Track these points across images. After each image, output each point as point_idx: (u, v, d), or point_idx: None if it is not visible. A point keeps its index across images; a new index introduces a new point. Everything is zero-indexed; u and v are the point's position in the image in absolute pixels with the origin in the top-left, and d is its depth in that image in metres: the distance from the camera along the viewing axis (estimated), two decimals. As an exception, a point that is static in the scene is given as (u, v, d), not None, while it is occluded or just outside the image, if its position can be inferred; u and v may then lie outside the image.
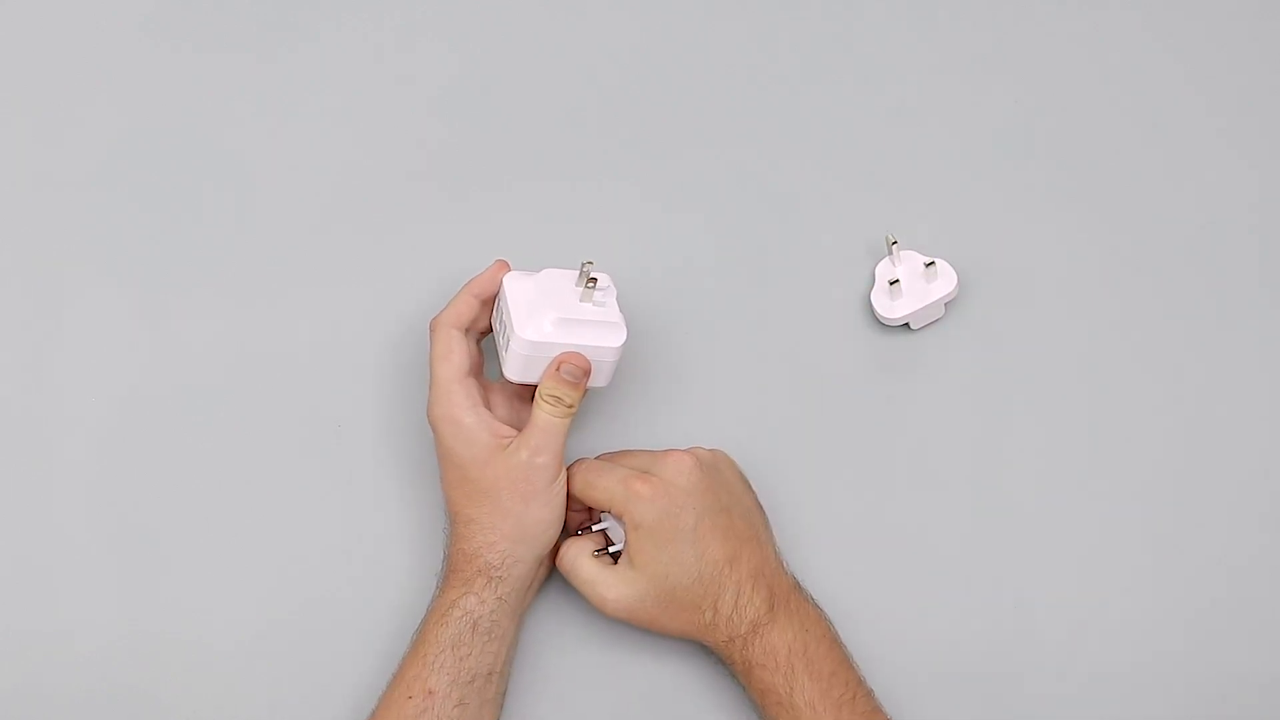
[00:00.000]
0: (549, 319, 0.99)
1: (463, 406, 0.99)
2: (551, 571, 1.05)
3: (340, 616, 1.06)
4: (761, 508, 1.03)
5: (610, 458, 1.03)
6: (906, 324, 1.08)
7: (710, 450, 1.02)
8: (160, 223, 1.13)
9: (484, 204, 1.12)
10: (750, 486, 1.03)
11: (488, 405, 1.02)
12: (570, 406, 0.99)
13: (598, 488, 1.00)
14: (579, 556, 1.01)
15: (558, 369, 0.99)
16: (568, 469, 1.01)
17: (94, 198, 1.13)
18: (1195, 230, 1.10)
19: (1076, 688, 1.04)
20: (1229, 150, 1.12)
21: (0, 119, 1.15)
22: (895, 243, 1.07)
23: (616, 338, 1.00)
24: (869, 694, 0.99)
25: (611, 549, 1.01)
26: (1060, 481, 1.07)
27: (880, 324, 1.09)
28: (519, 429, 1.01)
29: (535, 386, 1.01)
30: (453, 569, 1.00)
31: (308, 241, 1.12)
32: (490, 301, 1.02)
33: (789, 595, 1.00)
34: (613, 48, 1.15)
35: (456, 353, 1.00)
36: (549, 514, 1.00)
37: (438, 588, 1.01)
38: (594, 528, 1.03)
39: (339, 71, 1.15)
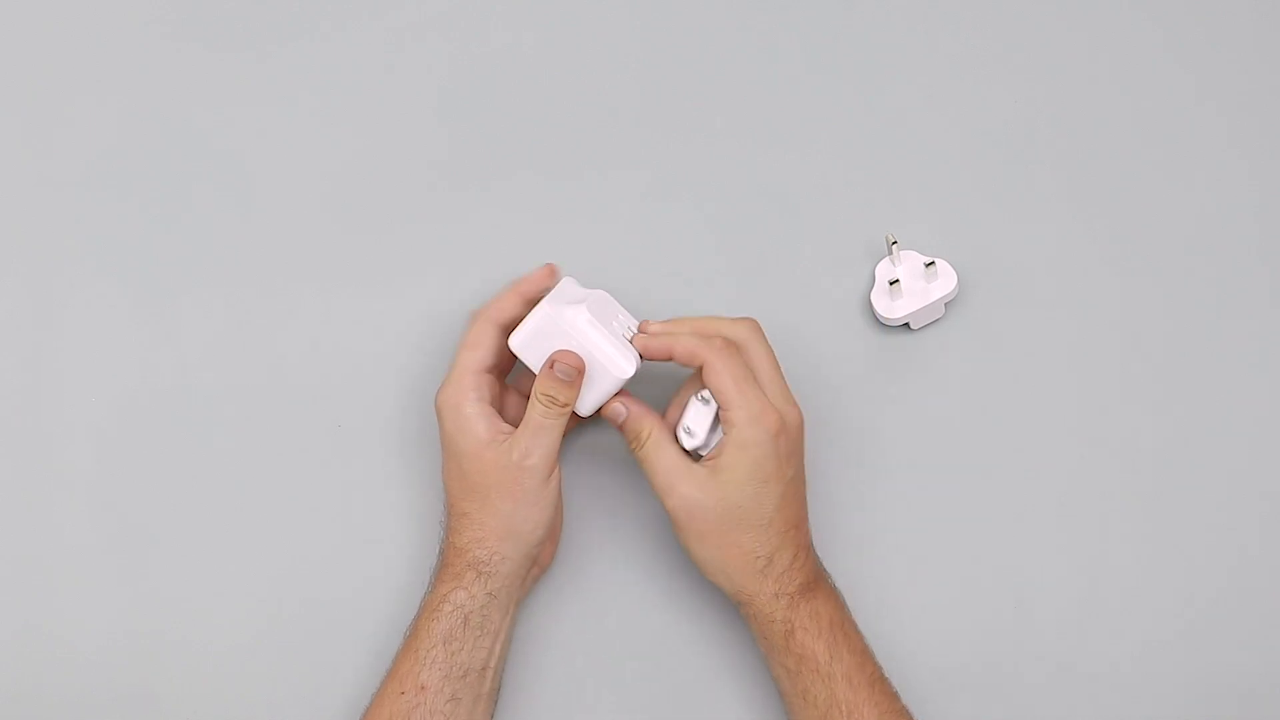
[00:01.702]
0: (582, 315, 0.99)
1: (468, 397, 0.99)
2: (546, 569, 1.05)
3: (339, 616, 1.06)
4: None
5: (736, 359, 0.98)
6: (906, 324, 1.08)
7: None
8: (160, 222, 1.13)
9: (484, 204, 1.12)
10: None
11: (500, 404, 1.02)
12: (564, 406, 0.98)
13: (733, 390, 0.97)
14: (664, 441, 0.99)
15: (551, 366, 0.98)
16: (707, 348, 0.98)
17: (95, 197, 1.13)
18: (1195, 230, 1.10)
19: (1076, 687, 1.04)
20: (1229, 150, 1.12)
21: (2, 118, 1.15)
22: (895, 243, 1.07)
23: (624, 368, 0.99)
24: (887, 680, 0.99)
25: (687, 443, 1.00)
26: (1060, 481, 1.07)
27: (880, 324, 1.09)
28: None
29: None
30: (445, 563, 1.00)
31: (308, 241, 1.12)
32: (534, 302, 1.02)
33: (824, 577, 1.01)
34: (613, 49, 1.15)
35: (484, 346, 1.00)
36: (539, 514, 0.99)
37: (431, 582, 1.01)
38: (681, 426, 0.99)
39: (339, 71, 1.15)
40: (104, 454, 1.09)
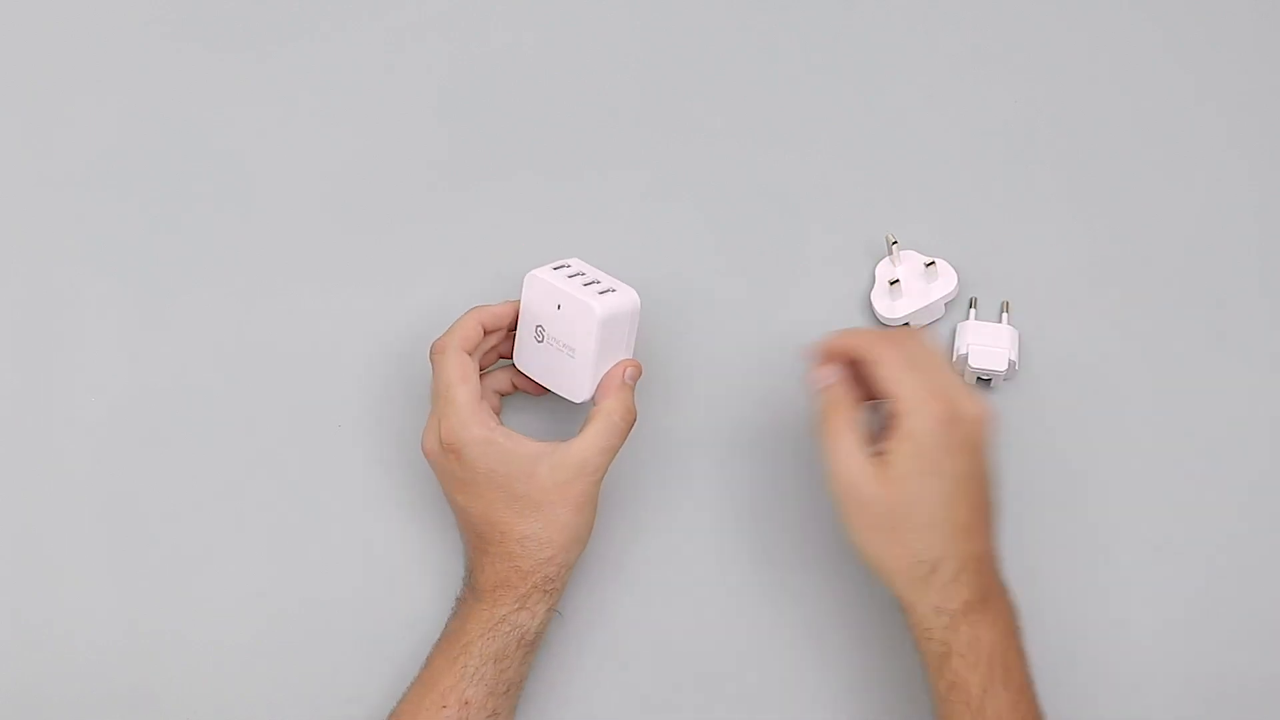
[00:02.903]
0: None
1: (490, 426, 0.97)
2: None
3: (339, 616, 1.06)
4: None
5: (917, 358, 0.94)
6: (906, 324, 1.08)
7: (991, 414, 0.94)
8: (161, 222, 1.13)
9: (485, 203, 1.12)
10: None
11: None
12: (635, 417, 0.99)
13: (897, 380, 0.91)
14: (843, 428, 0.93)
15: (623, 375, 0.99)
16: (873, 337, 0.94)
17: (95, 197, 1.13)
18: (1195, 230, 1.10)
19: (1077, 687, 1.04)
20: (1229, 150, 1.12)
21: (2, 118, 1.15)
22: (895, 243, 1.07)
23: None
24: (1042, 717, 0.93)
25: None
26: (1059, 481, 1.07)
27: (880, 324, 1.09)
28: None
29: (528, 388, 1.03)
30: (503, 584, 0.98)
31: (309, 241, 1.12)
32: (491, 334, 1.01)
33: (1000, 594, 0.94)
34: (613, 49, 1.15)
35: (473, 376, 0.98)
36: (593, 513, 0.99)
37: (477, 600, 0.99)
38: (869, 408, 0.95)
39: (339, 71, 1.15)
40: (104, 454, 1.09)
